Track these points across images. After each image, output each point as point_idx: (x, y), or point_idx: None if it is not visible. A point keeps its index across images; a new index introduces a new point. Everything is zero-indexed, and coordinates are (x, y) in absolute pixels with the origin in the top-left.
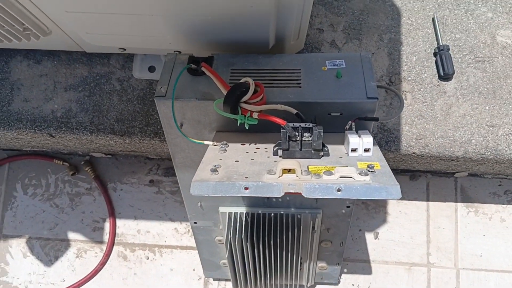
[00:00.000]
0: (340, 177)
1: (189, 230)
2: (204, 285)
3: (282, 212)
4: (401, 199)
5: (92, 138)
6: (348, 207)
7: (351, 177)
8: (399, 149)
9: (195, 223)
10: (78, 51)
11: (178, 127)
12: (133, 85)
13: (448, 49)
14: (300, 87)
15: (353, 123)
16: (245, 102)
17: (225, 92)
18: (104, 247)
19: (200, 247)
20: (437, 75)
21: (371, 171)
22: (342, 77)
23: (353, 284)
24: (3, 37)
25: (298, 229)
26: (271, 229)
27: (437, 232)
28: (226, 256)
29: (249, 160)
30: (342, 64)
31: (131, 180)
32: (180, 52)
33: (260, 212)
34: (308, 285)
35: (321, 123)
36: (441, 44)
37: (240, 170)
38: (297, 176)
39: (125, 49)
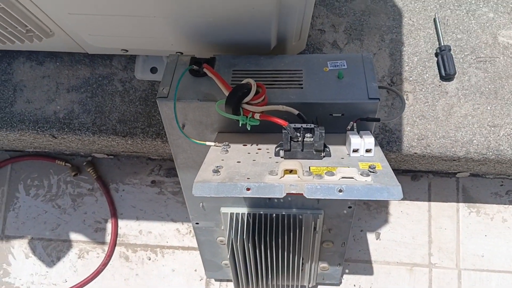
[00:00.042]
0: (342, 177)
1: (191, 230)
2: (206, 286)
3: (283, 213)
4: (402, 199)
5: (94, 139)
6: (349, 207)
7: (352, 178)
8: (400, 149)
9: (197, 223)
10: (81, 52)
11: (180, 128)
12: (135, 86)
13: (450, 50)
14: (301, 88)
15: (355, 124)
16: (247, 103)
17: (227, 93)
18: (106, 247)
19: (202, 248)
20: (438, 75)
21: (373, 172)
22: (343, 77)
23: (354, 285)
24: (6, 38)
25: (300, 229)
26: (273, 230)
27: (439, 233)
28: (228, 256)
29: (250, 161)
30: (344, 65)
31: (133, 181)
32: (182, 53)
33: (261, 212)
34: (310, 286)
35: (323, 123)
36: (442, 44)
37: (242, 171)
38: (298, 177)
39: (127, 51)
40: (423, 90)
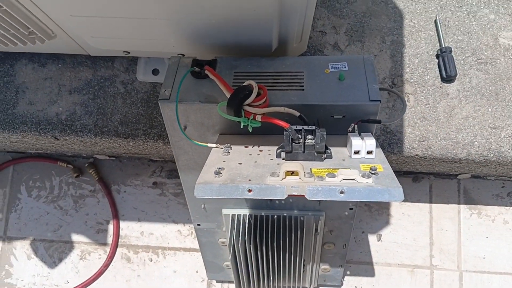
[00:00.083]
0: (343, 179)
1: (192, 232)
2: (207, 287)
3: (285, 214)
4: (404, 201)
5: (96, 140)
6: (351, 209)
7: (354, 180)
8: (401, 151)
9: (199, 225)
10: (83, 54)
11: (182, 130)
12: (137, 88)
13: (451, 51)
14: (303, 89)
15: (356, 126)
16: (248, 104)
17: (228, 95)
18: (108, 249)
19: (203, 249)
20: (439, 77)
21: (374, 173)
22: (344, 79)
23: (356, 286)
24: (8, 40)
25: (301, 231)
26: (274, 231)
27: (440, 234)
28: (229, 258)
29: (252, 163)
30: (345, 67)
31: (135, 182)
32: (183, 55)
33: (263, 214)
34: (311, 287)
35: (324, 125)
36: (443, 46)
37: (243, 173)
38: (300, 179)
39: (129, 52)
40: (424, 91)
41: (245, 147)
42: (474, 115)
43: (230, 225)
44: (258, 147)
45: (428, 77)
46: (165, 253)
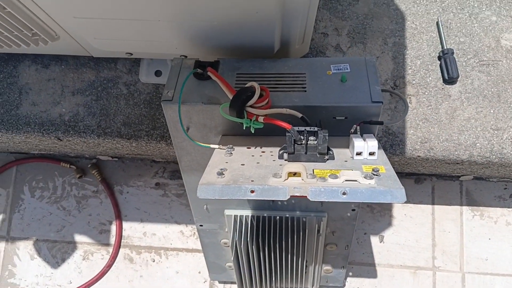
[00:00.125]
0: (345, 180)
1: (194, 232)
2: None
3: (287, 215)
4: (406, 202)
5: (99, 141)
6: (353, 210)
7: (356, 181)
8: (404, 152)
9: (201, 225)
10: (86, 55)
11: (185, 131)
12: (140, 89)
13: (453, 53)
14: (305, 91)
15: (358, 127)
16: (250, 106)
17: (231, 96)
18: (111, 249)
19: (205, 250)
20: (441, 78)
21: (376, 175)
22: (347, 81)
23: None
24: (12, 42)
25: (303, 232)
26: (277, 232)
27: (443, 236)
28: (232, 258)
29: (254, 164)
30: (347, 68)
31: (137, 183)
32: (186, 56)
33: (265, 215)
34: None
35: (326, 126)
36: (445, 47)
37: (246, 174)
38: (302, 180)
39: (132, 54)
40: (426, 93)
41: (248, 148)
42: (476, 116)
43: (232, 226)
44: (261, 148)
45: (430, 78)
46: (167, 253)
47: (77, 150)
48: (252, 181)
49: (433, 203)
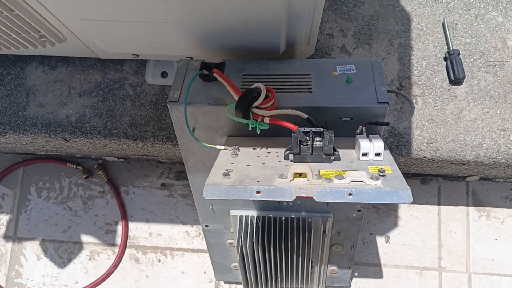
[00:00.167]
0: (351, 181)
1: (200, 233)
2: None
3: (293, 216)
4: (412, 203)
5: (106, 142)
6: (359, 211)
7: (362, 181)
8: (410, 153)
9: (207, 226)
10: (92, 57)
11: (191, 132)
12: (146, 91)
13: (459, 54)
14: (310, 92)
15: (364, 128)
16: (256, 107)
17: (236, 98)
18: (117, 249)
19: (211, 250)
20: (447, 79)
21: (382, 175)
22: (352, 82)
23: None
24: (19, 44)
25: (309, 232)
26: (282, 233)
27: (449, 236)
28: (237, 259)
29: (260, 164)
30: (353, 69)
31: (143, 184)
32: (192, 58)
33: (271, 215)
34: None
35: (332, 127)
36: (451, 48)
37: (251, 174)
38: (308, 180)
39: (138, 55)
40: (432, 94)
41: (253, 149)
42: (483, 117)
43: (238, 226)
44: (266, 149)
45: (436, 79)
46: (173, 254)
47: (83, 151)
48: (258, 181)
49: (439, 204)
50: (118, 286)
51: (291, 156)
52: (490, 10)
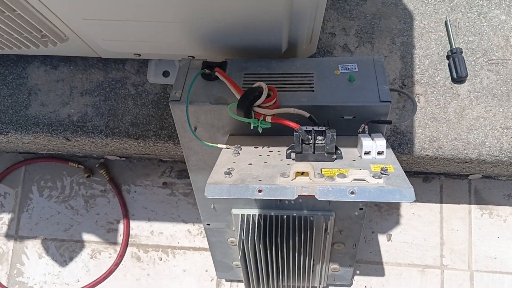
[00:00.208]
0: (354, 180)
1: (201, 231)
2: (217, 286)
3: (294, 214)
4: (414, 201)
5: (107, 141)
6: (361, 209)
7: (364, 180)
8: (412, 151)
9: (208, 224)
10: (94, 57)
11: (192, 131)
12: (148, 90)
13: (461, 52)
14: (313, 90)
15: (366, 126)
16: (258, 106)
17: (238, 97)
18: (118, 248)
19: (212, 249)
20: (450, 77)
21: (385, 174)
22: (355, 80)
23: (365, 286)
24: (21, 43)
25: (311, 231)
26: (284, 231)
27: (451, 234)
28: (239, 257)
29: (262, 163)
30: (355, 68)
31: (145, 182)
32: (194, 57)
33: (272, 214)
34: (321, 287)
35: (334, 126)
36: (454, 47)
37: (253, 173)
38: (310, 179)
39: (140, 55)
40: (435, 92)
41: (255, 148)
42: (485, 115)
43: (239, 224)
44: (268, 147)
45: (438, 78)
46: (174, 252)
47: (85, 150)
48: (259, 180)
49: (441, 202)
50: (120, 284)
51: (293, 155)
52: (493, 8)
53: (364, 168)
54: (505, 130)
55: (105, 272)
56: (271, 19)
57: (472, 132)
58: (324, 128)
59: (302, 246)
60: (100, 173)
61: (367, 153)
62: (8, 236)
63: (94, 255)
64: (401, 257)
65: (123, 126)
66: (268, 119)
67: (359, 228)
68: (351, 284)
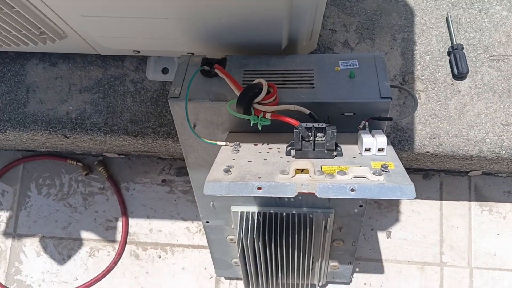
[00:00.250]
0: (354, 177)
1: (201, 229)
2: (216, 284)
3: (294, 212)
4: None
5: (106, 139)
6: (360, 206)
7: (365, 177)
8: (412, 148)
9: (207, 222)
10: (93, 54)
11: (192, 128)
12: (147, 87)
13: (462, 48)
14: (313, 87)
15: (367, 123)
16: (258, 103)
17: (238, 93)
18: (117, 246)
19: (211, 246)
20: (451, 74)
21: (385, 171)
22: (355, 77)
23: (365, 283)
24: (20, 41)
25: (310, 228)
26: (283, 229)
27: (451, 231)
28: (238, 255)
29: (262, 160)
30: (355, 64)
31: (144, 180)
32: (193, 54)
33: (272, 211)
34: (320, 284)
35: (334, 123)
36: (455, 43)
37: (253, 170)
38: (310, 176)
39: (139, 52)
40: (435, 89)
41: (255, 145)
42: (486, 112)
43: (238, 222)
44: (268, 145)
45: (439, 74)
46: (173, 250)
47: (83, 147)
48: (259, 178)
49: (441, 199)
50: (118, 282)
51: (293, 152)
52: (494, 4)
53: (365, 165)
54: (506, 127)
55: (104, 270)
56: (271, 15)
57: (473, 129)
58: (324, 125)
59: (301, 243)
60: (99, 170)
61: (367, 150)
62: (6, 234)
63: (92, 253)
64: (401, 254)
65: (122, 123)
66: (268, 116)
67: (358, 225)
68: (351, 281)
